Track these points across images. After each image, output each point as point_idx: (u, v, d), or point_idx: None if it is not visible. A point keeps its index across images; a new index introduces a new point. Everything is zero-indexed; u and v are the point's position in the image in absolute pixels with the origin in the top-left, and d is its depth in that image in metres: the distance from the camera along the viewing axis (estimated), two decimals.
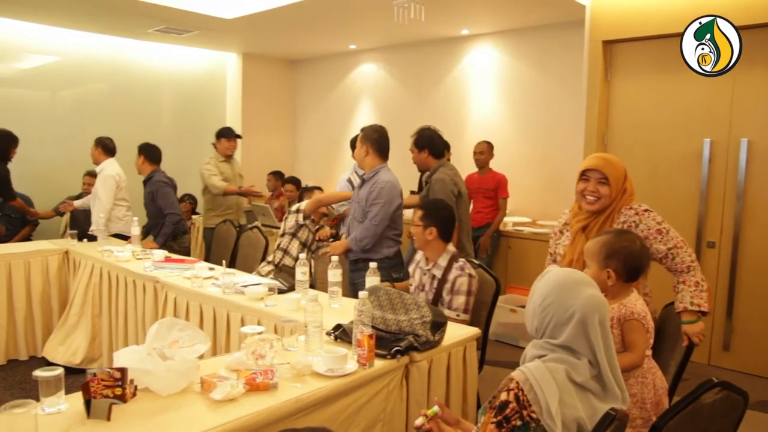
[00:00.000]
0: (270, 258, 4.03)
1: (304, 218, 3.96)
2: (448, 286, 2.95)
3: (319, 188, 4.37)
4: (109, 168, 4.96)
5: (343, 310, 2.83)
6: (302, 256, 3.04)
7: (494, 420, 1.48)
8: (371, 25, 6.20)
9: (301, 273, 3.01)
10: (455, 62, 6.67)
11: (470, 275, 2.95)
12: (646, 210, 2.39)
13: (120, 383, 1.72)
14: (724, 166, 4.29)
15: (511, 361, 4.38)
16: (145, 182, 4.94)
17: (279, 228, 4.09)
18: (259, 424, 1.72)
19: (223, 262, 3.48)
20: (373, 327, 2.22)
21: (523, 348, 1.68)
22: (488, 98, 6.42)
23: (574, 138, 5.33)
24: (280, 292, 3.08)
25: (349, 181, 4.89)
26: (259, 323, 2.72)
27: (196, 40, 7.19)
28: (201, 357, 2.01)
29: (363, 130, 3.69)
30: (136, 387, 1.80)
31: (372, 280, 2.81)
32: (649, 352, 2.15)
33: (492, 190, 5.49)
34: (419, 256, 3.20)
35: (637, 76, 4.64)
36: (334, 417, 1.95)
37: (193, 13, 5.69)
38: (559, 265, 2.58)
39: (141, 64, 7.39)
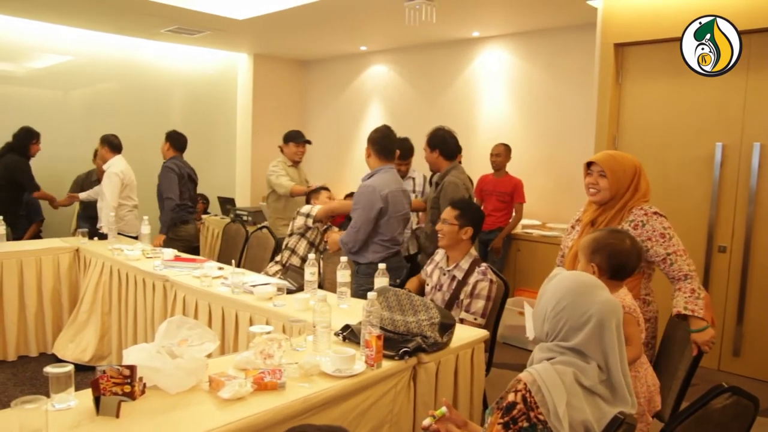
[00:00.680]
0: (278, 258, 4.04)
1: (314, 222, 3.96)
2: (467, 289, 2.94)
3: (325, 188, 4.35)
4: (115, 165, 5.00)
5: (352, 310, 2.83)
6: (311, 256, 3.04)
7: (501, 421, 1.48)
8: (382, 26, 6.21)
9: (310, 273, 3.01)
10: (466, 64, 6.66)
11: (491, 281, 2.95)
12: (655, 213, 2.41)
13: (129, 381, 1.73)
14: (736, 170, 4.26)
15: (518, 363, 4.37)
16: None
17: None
18: (267, 424, 1.72)
19: (233, 261, 3.49)
20: (382, 328, 2.23)
21: (531, 351, 1.67)
22: (499, 100, 6.41)
23: (584, 141, 5.31)
24: (289, 292, 3.09)
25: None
26: (267, 323, 2.72)
27: (208, 41, 7.23)
28: (209, 356, 2.02)
29: (369, 136, 3.65)
30: (144, 385, 1.81)
31: (380, 281, 2.81)
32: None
33: (508, 194, 5.46)
34: (439, 256, 3.18)
35: (648, 78, 4.62)
36: (341, 417, 1.95)
37: (205, 13, 5.72)
38: (565, 258, 2.63)
39: (153, 64, 7.44)
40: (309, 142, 5.27)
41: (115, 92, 7.15)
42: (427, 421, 1.65)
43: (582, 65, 5.55)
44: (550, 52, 5.97)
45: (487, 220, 5.48)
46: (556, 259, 2.79)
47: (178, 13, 5.72)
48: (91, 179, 5.77)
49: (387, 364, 2.11)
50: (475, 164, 5.81)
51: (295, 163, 5.23)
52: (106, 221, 4.85)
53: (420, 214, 4.78)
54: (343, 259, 2.97)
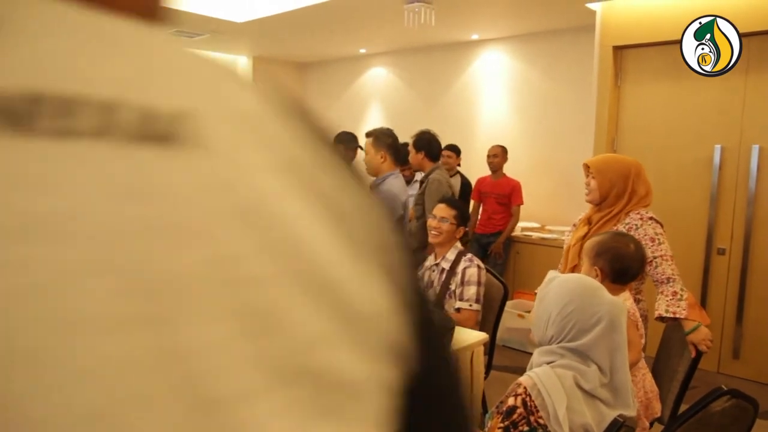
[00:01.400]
0: None
1: None
2: (457, 278, 2.97)
3: None
4: None
5: None
6: None
7: (501, 425, 1.48)
8: (381, 29, 6.22)
9: None
10: (465, 67, 6.68)
11: (479, 266, 2.99)
12: (651, 218, 2.44)
13: None
14: (735, 173, 4.26)
15: (517, 366, 4.36)
16: None
17: None
18: None
19: None
20: None
21: (531, 353, 1.67)
22: (498, 103, 6.42)
23: (583, 143, 5.32)
24: None
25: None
26: None
27: (207, 44, 7.24)
28: None
29: (374, 134, 3.65)
30: None
31: None
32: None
33: (506, 195, 5.45)
34: (428, 262, 3.20)
35: (647, 81, 4.63)
36: None
37: (204, 16, 5.73)
38: (562, 252, 2.69)
39: None
40: (361, 147, 4.40)
41: None
42: None
43: (581, 68, 5.56)
44: (549, 54, 5.98)
45: (487, 223, 5.48)
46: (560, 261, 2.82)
47: (178, 16, 5.73)
48: None
49: None
50: (474, 166, 5.81)
51: None
52: None
53: None
54: None
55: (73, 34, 0.27)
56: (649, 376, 2.19)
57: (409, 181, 4.72)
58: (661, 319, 2.39)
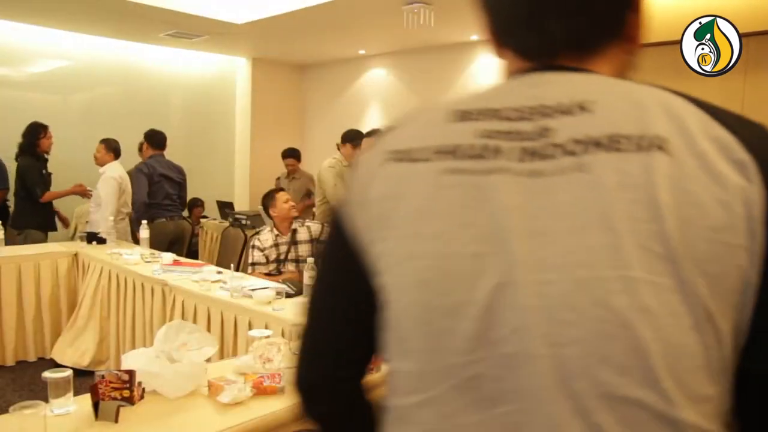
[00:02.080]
0: None
1: None
2: None
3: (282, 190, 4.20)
4: (111, 170, 4.99)
5: None
6: (310, 260, 3.04)
7: None
8: (381, 30, 6.22)
9: (309, 277, 3.01)
10: (464, 67, 6.67)
11: None
12: None
13: (128, 385, 1.72)
14: None
15: None
16: None
17: None
18: (267, 428, 1.72)
19: (231, 265, 3.48)
20: None
21: None
22: None
23: None
24: (288, 296, 3.09)
25: None
26: (266, 327, 2.71)
27: (207, 45, 7.24)
28: (209, 360, 2.01)
29: (375, 134, 3.66)
30: (144, 389, 1.81)
31: None
32: None
33: None
34: None
35: (646, 81, 4.62)
36: None
37: (204, 17, 5.73)
38: None
39: (152, 69, 7.44)
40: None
41: (114, 96, 7.15)
42: None
43: None
44: None
45: None
46: None
47: (177, 18, 5.73)
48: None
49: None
50: None
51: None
52: (105, 226, 4.83)
53: None
54: None
55: (621, 99, 0.62)
56: None
57: None
58: None
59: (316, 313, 0.79)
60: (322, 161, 8.28)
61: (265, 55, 7.99)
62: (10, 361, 4.25)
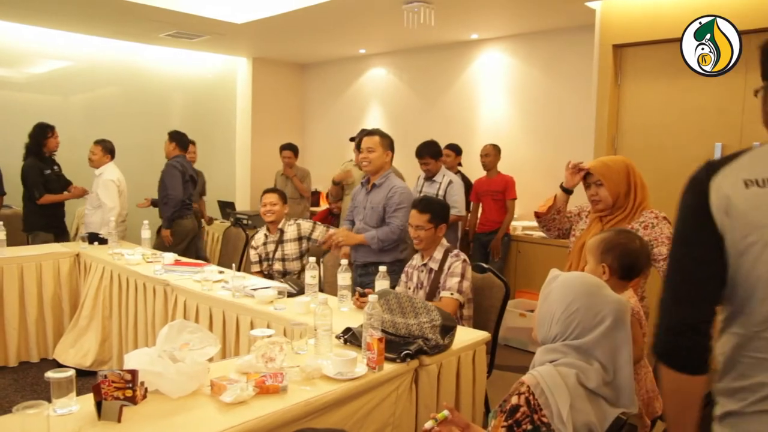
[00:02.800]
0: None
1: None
2: (444, 276, 2.98)
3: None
4: (109, 173, 5.00)
5: (352, 313, 2.83)
6: (311, 259, 3.04)
7: (505, 424, 1.48)
8: (381, 29, 6.22)
9: (311, 276, 3.01)
10: (465, 66, 6.67)
11: (464, 261, 3.00)
12: (665, 218, 2.46)
13: (131, 385, 1.72)
14: None
15: (520, 365, 4.36)
16: None
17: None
18: (269, 427, 1.72)
19: (233, 265, 3.49)
20: (383, 330, 2.22)
21: (533, 353, 1.67)
22: (498, 102, 6.41)
23: (584, 142, 5.31)
24: (290, 295, 3.09)
25: None
26: (268, 326, 2.72)
27: (207, 45, 7.24)
28: (211, 360, 2.02)
29: (380, 134, 3.64)
30: (146, 389, 1.81)
31: (381, 283, 2.81)
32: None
33: (500, 192, 5.47)
34: (416, 260, 3.19)
35: (647, 79, 4.62)
36: (343, 420, 1.94)
37: (204, 17, 5.73)
38: (572, 247, 2.67)
39: (152, 69, 7.44)
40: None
41: (115, 97, 7.15)
42: (429, 424, 1.64)
43: (581, 67, 5.56)
44: (548, 53, 5.97)
45: (487, 222, 5.50)
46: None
47: (178, 18, 5.73)
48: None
49: (389, 367, 2.11)
50: (475, 166, 5.80)
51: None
52: (107, 227, 4.83)
53: None
54: (344, 262, 2.97)
55: None
56: (650, 375, 2.19)
57: (431, 176, 4.89)
58: None
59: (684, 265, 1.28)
60: (322, 160, 8.30)
61: (265, 55, 7.99)
62: (12, 362, 4.26)
